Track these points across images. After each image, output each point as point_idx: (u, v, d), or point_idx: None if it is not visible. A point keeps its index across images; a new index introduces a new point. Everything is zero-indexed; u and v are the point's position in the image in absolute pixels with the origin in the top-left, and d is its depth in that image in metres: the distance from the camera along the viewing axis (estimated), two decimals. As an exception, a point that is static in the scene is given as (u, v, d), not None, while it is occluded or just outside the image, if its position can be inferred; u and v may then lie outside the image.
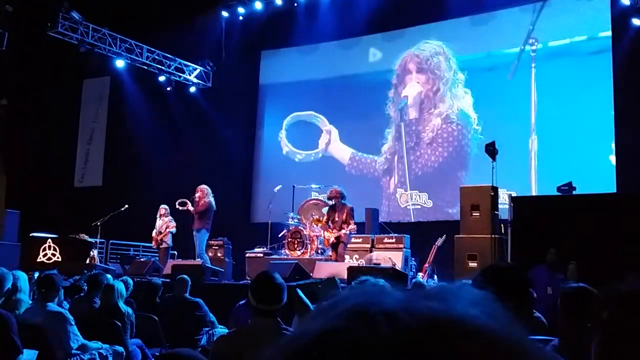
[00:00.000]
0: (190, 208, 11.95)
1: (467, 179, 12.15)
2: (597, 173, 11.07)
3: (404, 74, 13.83)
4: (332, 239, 10.63)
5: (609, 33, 10.72)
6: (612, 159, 10.94)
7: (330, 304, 0.56)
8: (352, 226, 10.66)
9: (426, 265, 11.13)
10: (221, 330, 7.46)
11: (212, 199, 11.93)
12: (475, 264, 9.13)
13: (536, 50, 11.32)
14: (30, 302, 5.72)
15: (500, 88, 12.08)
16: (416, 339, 0.50)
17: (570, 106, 11.12)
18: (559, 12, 10.99)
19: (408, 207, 14.33)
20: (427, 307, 0.54)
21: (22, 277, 5.85)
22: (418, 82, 13.53)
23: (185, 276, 7.99)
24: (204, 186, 12.05)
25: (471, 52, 12.75)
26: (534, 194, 12.08)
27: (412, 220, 14.04)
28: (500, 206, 10.00)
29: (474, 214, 9.61)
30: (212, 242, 12.74)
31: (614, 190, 11.01)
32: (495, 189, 9.67)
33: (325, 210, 11.60)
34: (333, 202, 10.79)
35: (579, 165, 10.99)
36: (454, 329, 0.51)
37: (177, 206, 12.13)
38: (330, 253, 11.04)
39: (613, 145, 11.16)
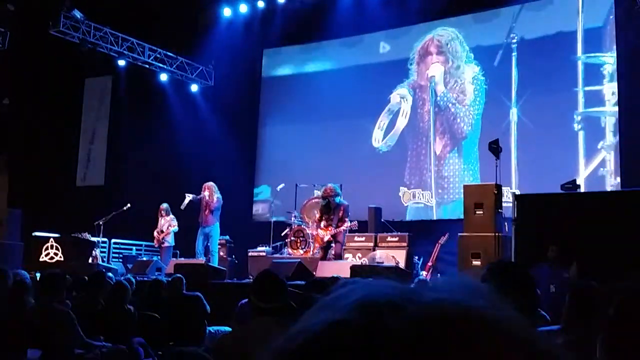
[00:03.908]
0: (189, 196, 11.93)
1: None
2: (565, 150, 12.44)
3: (426, 55, 14.39)
4: (327, 237, 10.57)
5: (574, 28, 12.55)
6: (576, 126, 12.31)
7: (333, 297, 0.56)
8: (348, 224, 10.62)
9: (430, 263, 11.11)
10: (224, 329, 7.45)
11: (220, 195, 11.99)
12: (479, 262, 9.11)
13: (516, 42, 13.09)
14: (33, 301, 5.71)
15: (490, 73, 13.57)
16: (425, 329, 0.50)
17: (542, 89, 12.71)
18: (535, 11, 12.85)
19: (411, 205, 14.32)
20: (433, 298, 0.53)
21: (26, 277, 5.85)
22: (438, 62, 14.19)
23: (179, 275, 8.04)
24: (210, 183, 12.06)
25: (469, 42, 13.97)
26: (513, 166, 12.53)
27: (415, 219, 14.02)
28: (504, 204, 9.99)
29: (477, 212, 9.59)
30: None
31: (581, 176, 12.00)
32: (499, 187, 9.65)
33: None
34: (327, 201, 10.75)
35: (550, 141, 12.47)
36: (462, 318, 0.51)
37: (184, 204, 12.07)
38: (319, 252, 10.95)
39: (579, 119, 12.35)
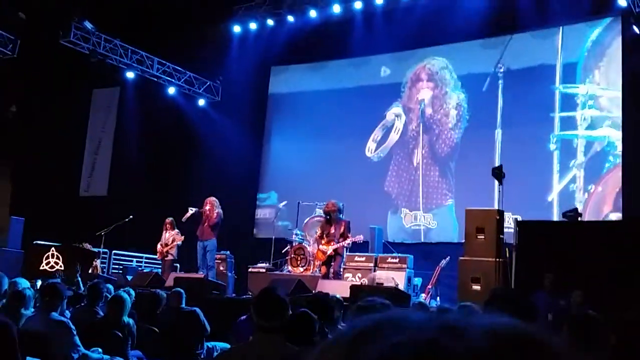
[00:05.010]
0: (191, 210, 11.94)
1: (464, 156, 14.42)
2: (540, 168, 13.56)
3: (417, 81, 15.39)
4: (329, 251, 10.54)
5: (554, 62, 13.85)
6: (552, 146, 13.54)
7: (390, 322, 0.59)
8: (351, 239, 10.59)
9: (429, 286, 11.09)
10: (222, 345, 7.44)
11: (221, 210, 11.98)
12: (479, 287, 9.09)
13: (503, 72, 14.32)
14: (33, 310, 5.72)
15: (478, 97, 14.61)
16: (509, 351, 0.56)
17: (524, 113, 13.89)
18: (521, 45, 14.16)
19: (412, 227, 14.43)
20: (494, 322, 0.58)
21: (26, 286, 5.86)
22: (428, 88, 15.23)
23: (179, 289, 8.02)
24: (212, 198, 12.05)
25: (461, 69, 14.95)
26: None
27: (419, 241, 14.11)
28: (505, 230, 9.99)
29: (478, 237, 9.57)
30: (215, 255, 12.72)
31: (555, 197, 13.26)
32: (501, 213, 9.65)
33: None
34: (329, 216, 10.75)
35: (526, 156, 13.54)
36: (534, 341, 0.58)
37: (186, 216, 12.08)
38: (320, 269, 10.94)
39: (554, 140, 13.52)
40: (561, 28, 13.75)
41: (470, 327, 0.57)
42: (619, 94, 12.88)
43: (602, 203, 12.78)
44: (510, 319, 0.59)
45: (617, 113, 12.88)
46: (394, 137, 15.34)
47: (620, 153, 12.68)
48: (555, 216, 12.85)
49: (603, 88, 13.19)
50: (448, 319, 0.59)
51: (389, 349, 0.55)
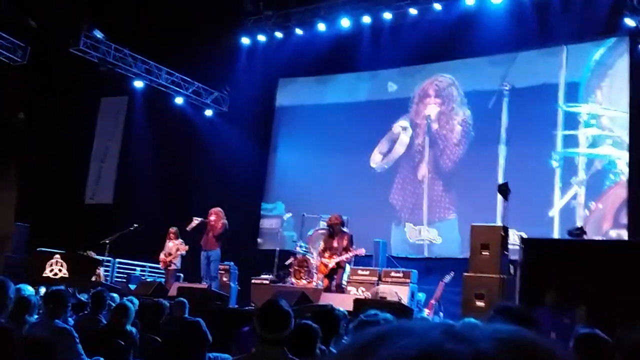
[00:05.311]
0: (196, 219, 11.96)
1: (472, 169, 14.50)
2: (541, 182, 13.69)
3: (425, 97, 15.53)
4: (332, 264, 10.53)
5: (557, 81, 13.99)
6: (554, 163, 13.76)
7: (406, 329, 0.61)
8: (353, 252, 10.58)
9: (432, 301, 11.06)
10: (224, 356, 7.41)
11: (226, 221, 11.99)
12: (483, 304, 9.05)
13: (508, 89, 14.51)
14: (36, 316, 5.72)
15: (483, 114, 14.75)
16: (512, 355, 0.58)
17: (527, 131, 14.10)
18: (526, 63, 14.31)
19: (417, 242, 14.43)
20: (498, 329, 0.61)
21: (30, 293, 5.86)
22: (435, 104, 15.39)
23: (182, 299, 8.01)
24: (218, 209, 12.07)
25: (467, 86, 15.10)
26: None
27: (422, 256, 14.10)
28: (510, 246, 9.97)
29: (483, 253, 9.55)
30: (219, 266, 12.71)
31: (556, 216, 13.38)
32: (505, 229, 9.63)
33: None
34: (332, 229, 10.74)
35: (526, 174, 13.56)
36: (538, 347, 0.60)
37: (191, 226, 12.10)
38: (322, 282, 10.91)
39: (556, 157, 13.69)
40: (565, 47, 13.88)
41: (475, 333, 0.58)
42: (621, 114, 13.01)
43: (602, 220, 12.94)
44: (514, 327, 0.60)
45: (619, 132, 13.05)
46: (399, 149, 15.44)
47: (621, 171, 12.84)
48: (556, 232, 12.97)
49: (605, 108, 13.38)
50: (452, 326, 0.60)
51: (395, 352, 0.56)
